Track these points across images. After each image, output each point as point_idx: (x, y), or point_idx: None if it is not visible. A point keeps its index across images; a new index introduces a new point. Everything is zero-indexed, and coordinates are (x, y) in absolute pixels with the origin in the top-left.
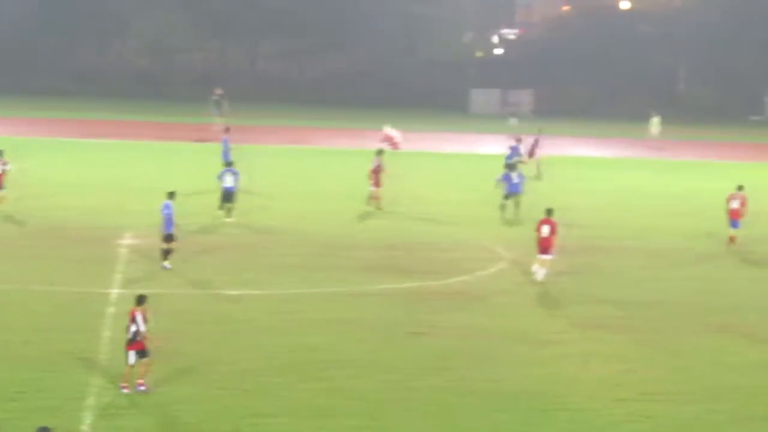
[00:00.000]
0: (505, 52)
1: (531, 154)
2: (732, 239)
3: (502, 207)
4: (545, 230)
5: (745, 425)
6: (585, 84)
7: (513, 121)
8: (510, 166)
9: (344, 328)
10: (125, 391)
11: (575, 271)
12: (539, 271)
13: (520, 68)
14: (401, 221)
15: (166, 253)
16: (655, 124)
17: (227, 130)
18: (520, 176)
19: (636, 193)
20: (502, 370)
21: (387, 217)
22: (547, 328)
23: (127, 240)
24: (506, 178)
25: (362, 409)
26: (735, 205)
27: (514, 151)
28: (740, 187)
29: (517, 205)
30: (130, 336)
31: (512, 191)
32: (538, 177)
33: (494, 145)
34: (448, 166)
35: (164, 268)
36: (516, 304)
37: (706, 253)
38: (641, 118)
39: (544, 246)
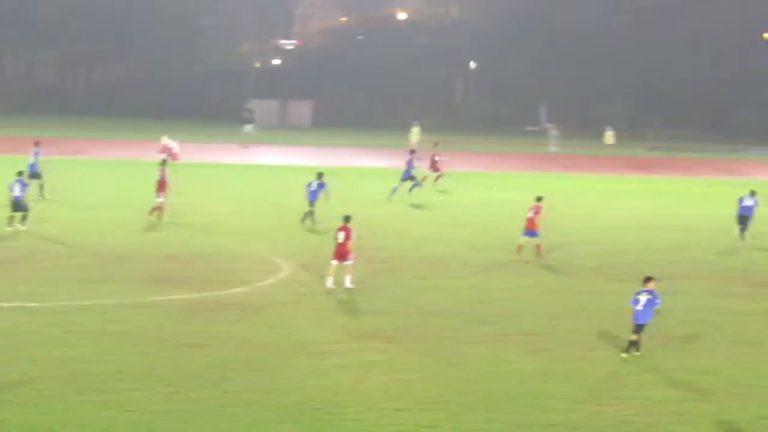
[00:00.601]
0: (283, 63)
1: (433, 167)
2: (520, 248)
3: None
4: (341, 236)
5: None
6: (363, 94)
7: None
8: (319, 175)
9: (121, 339)
10: None
11: (354, 281)
12: (329, 280)
13: (299, 79)
14: (180, 232)
15: None
16: (414, 133)
17: (37, 143)
18: (321, 184)
19: (414, 202)
20: (281, 381)
21: (166, 228)
22: (326, 338)
23: None
24: (308, 185)
25: (140, 421)
26: (530, 214)
27: (410, 163)
28: (539, 198)
29: (310, 214)
30: None
31: (310, 198)
32: (443, 190)
33: (271, 156)
34: (225, 176)
35: None
36: (294, 315)
37: (486, 263)
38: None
39: (340, 252)
